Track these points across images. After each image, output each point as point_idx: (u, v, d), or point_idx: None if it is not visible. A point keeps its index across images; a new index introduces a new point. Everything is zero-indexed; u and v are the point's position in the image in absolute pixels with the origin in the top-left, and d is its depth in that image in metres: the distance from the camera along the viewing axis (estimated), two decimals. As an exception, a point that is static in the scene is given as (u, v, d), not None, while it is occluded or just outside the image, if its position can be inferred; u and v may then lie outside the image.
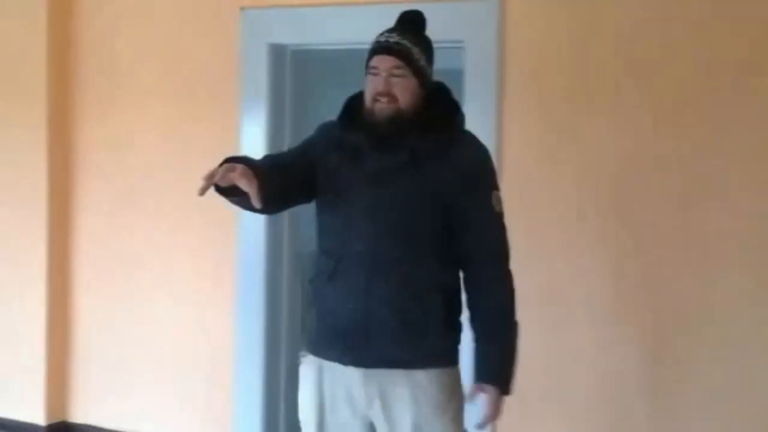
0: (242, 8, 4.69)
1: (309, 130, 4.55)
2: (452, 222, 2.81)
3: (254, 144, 4.63)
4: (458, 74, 4.35)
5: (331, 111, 6.81)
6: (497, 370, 2.83)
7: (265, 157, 3.17)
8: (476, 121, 4.23)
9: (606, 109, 4.02)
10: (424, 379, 2.82)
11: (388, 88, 2.80)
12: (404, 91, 2.80)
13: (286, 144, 4.78)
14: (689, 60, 3.87)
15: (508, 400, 2.89)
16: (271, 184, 2.69)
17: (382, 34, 2.88)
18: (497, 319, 2.84)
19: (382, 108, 2.80)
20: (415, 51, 2.83)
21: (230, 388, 4.81)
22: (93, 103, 5.14)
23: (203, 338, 4.90)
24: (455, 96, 3.00)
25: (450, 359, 2.88)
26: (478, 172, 2.84)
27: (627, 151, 3.99)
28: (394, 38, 2.83)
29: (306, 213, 5.10)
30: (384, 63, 2.81)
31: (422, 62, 2.84)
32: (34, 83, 5.12)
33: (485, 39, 4.19)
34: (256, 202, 2.60)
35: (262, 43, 4.68)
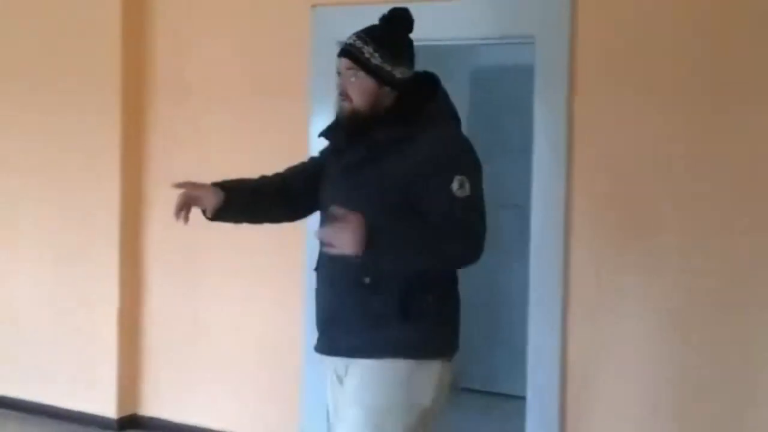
0: (312, 6, 4.70)
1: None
2: (415, 211, 2.78)
3: (323, 142, 4.62)
4: (529, 70, 4.31)
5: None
6: (389, 229, 2.66)
7: (261, 176, 3.26)
8: (546, 118, 4.19)
9: (679, 105, 3.95)
10: (373, 366, 2.83)
11: (344, 89, 2.92)
12: (357, 91, 2.89)
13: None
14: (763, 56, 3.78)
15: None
16: (238, 198, 3.03)
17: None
18: (434, 231, 2.71)
19: (343, 107, 2.93)
20: (367, 50, 2.89)
21: (298, 384, 4.82)
22: (166, 101, 5.20)
23: (271, 334, 4.92)
24: (442, 89, 3.01)
25: (400, 350, 2.82)
26: (435, 159, 2.78)
27: (698, 147, 3.91)
28: (351, 39, 2.93)
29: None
30: (341, 64, 2.94)
31: (375, 61, 2.88)
32: (109, 79, 5.20)
33: (556, 34, 4.14)
34: (208, 213, 3.02)
35: (332, 41, 4.66)
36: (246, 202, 3.09)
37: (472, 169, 2.83)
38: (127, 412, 5.28)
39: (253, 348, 4.98)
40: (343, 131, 2.95)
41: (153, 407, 5.27)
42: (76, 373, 5.36)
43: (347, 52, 2.92)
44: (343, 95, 2.92)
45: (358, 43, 2.91)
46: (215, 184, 3.05)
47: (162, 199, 5.22)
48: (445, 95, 3.02)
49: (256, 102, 4.94)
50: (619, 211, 4.09)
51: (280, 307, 4.88)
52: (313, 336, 4.69)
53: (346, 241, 2.58)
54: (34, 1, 5.48)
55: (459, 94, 6.34)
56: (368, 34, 2.94)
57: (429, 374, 2.85)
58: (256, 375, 4.97)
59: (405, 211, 2.77)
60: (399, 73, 2.91)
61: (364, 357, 2.85)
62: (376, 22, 4.43)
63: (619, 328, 4.09)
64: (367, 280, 2.80)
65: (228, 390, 5.05)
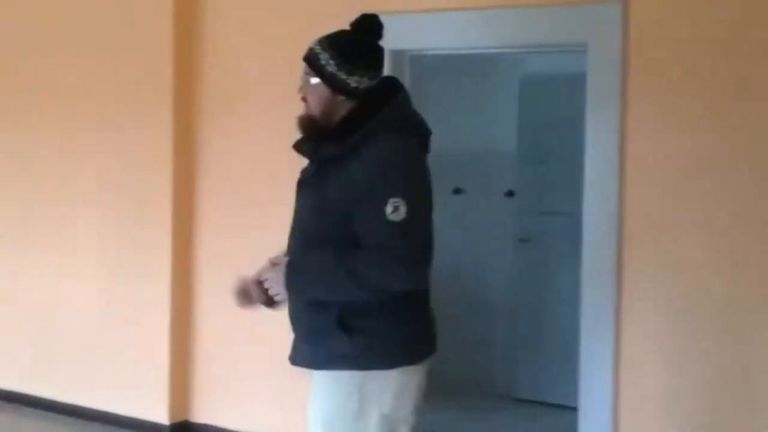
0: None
1: (434, 136, 4.52)
2: (352, 230, 2.75)
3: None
4: (581, 78, 4.29)
5: (445, 115, 6.84)
6: (302, 269, 2.80)
7: None
8: (599, 126, 4.17)
9: (735, 113, 3.90)
10: (320, 379, 2.91)
11: (302, 93, 2.93)
12: (311, 96, 2.89)
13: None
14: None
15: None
16: None
17: None
18: (354, 262, 2.70)
19: (302, 112, 2.93)
20: (324, 57, 2.85)
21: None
22: (217, 108, 5.25)
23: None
24: (398, 96, 2.91)
25: (349, 363, 2.82)
26: (371, 181, 2.71)
27: (755, 150, 3.86)
28: (314, 43, 2.91)
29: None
30: (303, 67, 2.93)
31: (330, 69, 2.84)
32: (161, 92, 5.26)
33: (609, 42, 4.11)
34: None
35: (402, 54, 4.69)
36: None
37: (410, 189, 2.73)
38: (180, 418, 5.32)
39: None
40: (306, 142, 2.92)
41: (205, 414, 5.31)
42: (130, 379, 5.42)
43: (306, 56, 2.90)
44: (302, 99, 2.93)
45: (317, 49, 2.88)
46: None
47: (213, 209, 5.27)
48: (401, 103, 2.91)
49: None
50: (673, 218, 4.05)
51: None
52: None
53: (273, 287, 2.84)
54: (87, 16, 5.56)
55: (507, 102, 6.39)
56: (330, 39, 2.89)
57: (384, 383, 2.83)
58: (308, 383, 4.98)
59: (341, 231, 2.75)
60: (354, 81, 2.85)
61: (314, 368, 2.91)
62: (425, 30, 4.46)
63: (674, 337, 4.05)
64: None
65: (278, 397, 5.07)
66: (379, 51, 2.92)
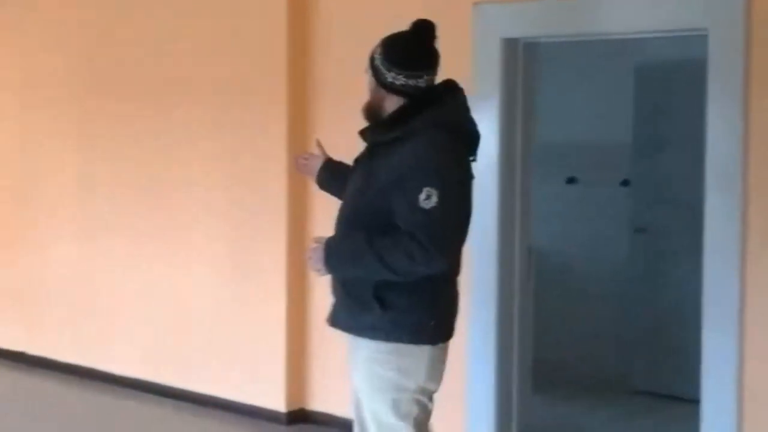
0: (474, 3, 4.69)
1: (539, 124, 4.51)
2: (390, 216, 3.00)
3: (486, 139, 4.59)
4: (701, 64, 4.18)
5: (559, 103, 6.75)
6: (338, 249, 3.09)
7: None
8: (721, 113, 4.05)
9: None
10: (356, 343, 3.17)
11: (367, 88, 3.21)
12: (369, 90, 3.17)
13: (518, 139, 4.74)
14: None
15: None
16: (335, 169, 3.51)
17: None
18: (383, 247, 2.95)
19: (363, 107, 3.22)
20: (376, 52, 3.14)
21: (463, 381, 4.82)
22: (331, 98, 5.29)
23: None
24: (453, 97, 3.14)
25: (382, 335, 3.07)
26: (408, 171, 2.96)
27: None
28: (377, 44, 3.18)
29: (539, 207, 5.11)
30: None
31: (376, 63, 3.12)
32: (275, 79, 5.32)
33: (731, 26, 3.99)
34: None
35: (494, 38, 4.66)
36: (340, 175, 3.40)
37: (443, 180, 2.94)
38: (296, 406, 5.40)
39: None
40: (371, 133, 3.19)
41: (321, 402, 5.38)
42: (247, 367, 5.53)
43: (370, 56, 3.16)
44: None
45: (376, 46, 3.15)
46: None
47: (326, 200, 5.29)
48: (450, 105, 3.12)
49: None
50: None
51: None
52: (478, 337, 4.74)
53: (315, 263, 3.13)
54: (203, 9, 5.68)
55: (623, 89, 6.27)
56: (386, 38, 3.16)
57: (419, 356, 3.08)
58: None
59: (379, 214, 3.01)
60: (390, 77, 3.09)
61: (353, 334, 3.17)
62: (540, 17, 4.45)
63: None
64: None
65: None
66: (425, 53, 3.15)
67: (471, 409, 4.80)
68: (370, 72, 3.15)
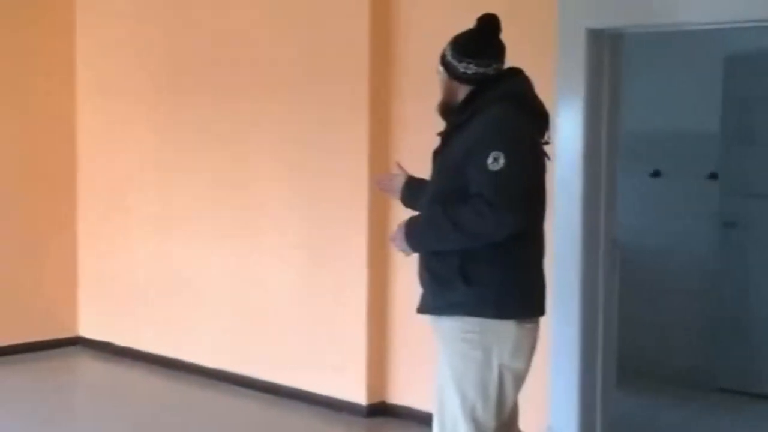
0: (559, -6, 4.63)
1: (624, 116, 4.40)
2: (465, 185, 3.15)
3: (571, 131, 4.56)
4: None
5: (644, 94, 6.62)
6: (416, 224, 3.29)
7: None
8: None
9: None
10: (442, 323, 3.27)
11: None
12: (440, 84, 3.39)
13: (603, 131, 4.67)
14: None
15: None
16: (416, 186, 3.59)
17: None
18: (455, 211, 3.13)
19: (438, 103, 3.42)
20: (446, 50, 3.35)
21: (547, 375, 4.76)
22: (412, 91, 5.27)
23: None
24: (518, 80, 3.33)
25: (467, 310, 3.18)
26: (475, 138, 3.15)
27: None
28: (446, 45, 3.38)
29: (623, 200, 5.02)
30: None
31: (448, 58, 3.33)
32: (357, 71, 5.33)
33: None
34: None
35: (580, 28, 4.59)
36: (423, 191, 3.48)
37: (510, 145, 3.10)
38: (377, 399, 5.41)
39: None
40: (445, 120, 3.40)
41: (402, 395, 5.37)
42: (328, 359, 5.55)
43: (441, 55, 3.37)
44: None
45: (445, 45, 3.36)
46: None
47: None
48: (516, 85, 3.31)
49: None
50: None
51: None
52: (561, 331, 4.69)
53: (399, 244, 3.33)
54: (284, 14, 5.72)
55: (710, 80, 6.12)
56: (454, 37, 3.37)
57: (503, 334, 3.18)
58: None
59: (458, 188, 3.15)
60: (463, 67, 3.29)
61: (434, 314, 3.29)
62: (625, 7, 4.42)
63: None
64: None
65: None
66: (492, 43, 3.34)
67: (554, 403, 4.74)
68: (441, 69, 3.36)
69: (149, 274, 6.55)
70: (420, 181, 3.60)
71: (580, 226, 4.60)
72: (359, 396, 5.39)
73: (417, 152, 5.22)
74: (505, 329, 3.18)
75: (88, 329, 6.99)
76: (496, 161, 3.06)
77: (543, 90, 4.64)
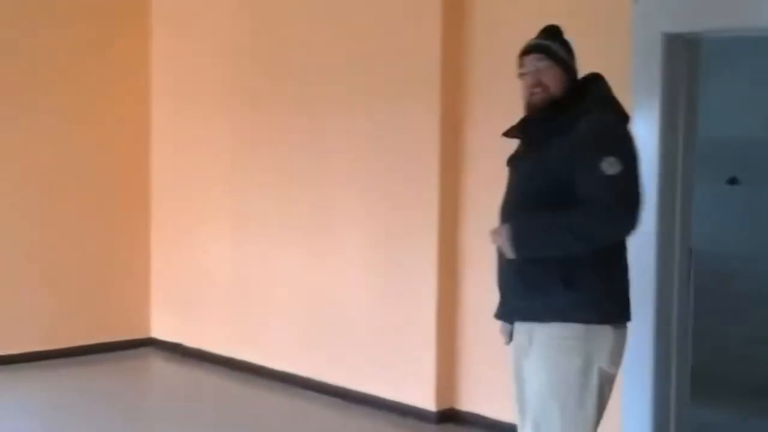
0: (635, -2, 4.56)
1: (702, 122, 4.32)
2: (569, 191, 3.11)
3: (647, 138, 4.48)
4: None
5: (723, 101, 6.50)
6: (525, 227, 3.21)
7: None
8: None
9: None
10: (537, 329, 3.22)
11: (539, 80, 3.31)
12: (550, 79, 3.30)
13: (680, 138, 4.60)
14: None
15: None
16: None
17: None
18: (568, 216, 3.10)
19: (537, 98, 3.31)
20: (554, 45, 3.34)
21: (619, 385, 4.66)
22: (483, 89, 5.25)
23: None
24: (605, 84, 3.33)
25: (567, 315, 3.15)
26: (590, 144, 3.11)
27: None
28: (534, 41, 3.38)
29: (699, 207, 4.93)
30: (530, 61, 3.34)
31: (561, 54, 3.33)
32: (428, 85, 5.32)
33: None
34: None
35: (656, 33, 4.52)
36: None
37: (624, 150, 3.13)
38: (446, 405, 5.38)
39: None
40: (534, 123, 3.33)
41: (472, 402, 5.34)
42: (397, 364, 5.53)
43: (536, 48, 3.34)
44: (536, 86, 3.30)
45: (547, 42, 3.35)
46: None
47: (478, 196, 5.27)
48: (606, 87, 3.31)
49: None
50: None
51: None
52: (635, 340, 4.59)
53: (503, 244, 3.23)
54: (358, 24, 5.73)
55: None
56: (551, 32, 3.39)
57: (603, 339, 3.15)
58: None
59: (557, 193, 3.12)
60: (574, 65, 3.36)
61: (529, 320, 3.25)
62: (702, 11, 4.37)
63: None
64: None
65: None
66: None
67: (627, 415, 4.66)
68: (551, 63, 3.31)
69: (221, 277, 6.61)
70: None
71: (655, 234, 4.53)
72: (428, 402, 5.37)
73: (487, 155, 5.22)
74: (605, 335, 3.17)
75: (160, 330, 7.09)
76: (611, 166, 3.05)
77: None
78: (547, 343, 3.20)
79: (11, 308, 6.51)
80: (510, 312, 3.35)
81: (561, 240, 3.10)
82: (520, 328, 3.32)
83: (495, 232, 3.29)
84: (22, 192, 6.56)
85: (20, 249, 6.57)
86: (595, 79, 3.35)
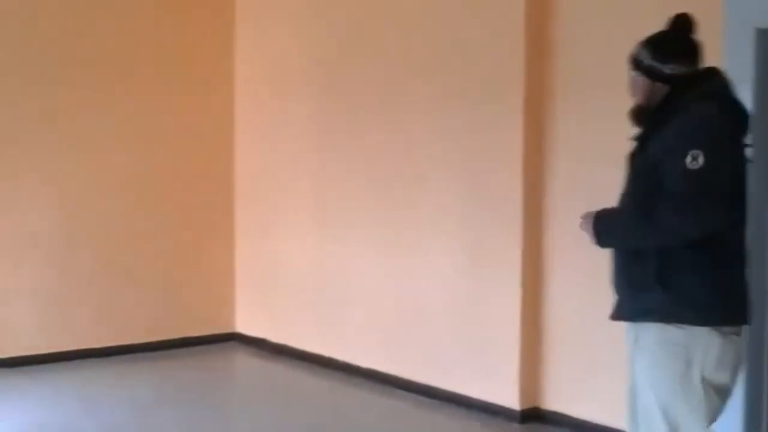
0: (726, -9, 4.47)
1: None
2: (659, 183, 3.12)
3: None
4: None
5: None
6: (607, 216, 3.26)
7: None
8: None
9: None
10: (641, 330, 3.20)
11: (631, 89, 3.42)
12: (637, 89, 3.37)
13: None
14: None
15: None
16: None
17: None
18: (650, 207, 3.10)
19: (634, 104, 3.39)
20: (642, 53, 3.34)
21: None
22: (568, 93, 5.21)
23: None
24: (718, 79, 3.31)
25: (664, 315, 3.11)
26: (676, 138, 3.11)
27: None
28: (635, 47, 3.39)
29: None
30: (628, 70, 3.43)
31: (647, 62, 3.32)
32: (511, 82, 5.29)
33: None
34: None
35: (749, 28, 4.42)
36: None
37: (709, 144, 3.06)
38: (530, 404, 5.35)
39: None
40: (637, 123, 3.37)
41: (555, 401, 5.30)
42: (481, 363, 5.52)
43: (629, 58, 3.38)
44: (633, 95, 3.40)
45: (636, 49, 3.37)
46: None
47: (562, 194, 5.22)
48: (715, 84, 3.29)
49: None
50: None
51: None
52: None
53: (587, 230, 3.29)
54: (439, 18, 5.72)
55: None
56: (647, 39, 3.37)
57: (707, 344, 3.08)
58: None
59: (652, 186, 3.11)
60: (669, 69, 3.29)
61: (629, 320, 3.24)
62: None
63: None
64: (628, 252, 3.24)
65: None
66: (689, 43, 3.36)
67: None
68: (637, 73, 3.35)
69: (305, 273, 6.66)
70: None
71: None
72: (512, 401, 5.35)
73: (572, 156, 5.17)
74: (707, 338, 3.10)
75: (244, 326, 7.17)
76: (695, 160, 3.03)
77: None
78: (648, 344, 3.18)
79: (98, 303, 6.65)
80: (618, 312, 3.34)
81: (638, 231, 3.13)
82: (628, 328, 3.31)
83: (583, 219, 3.33)
84: (108, 187, 6.68)
85: (107, 245, 6.70)
86: (708, 74, 3.33)
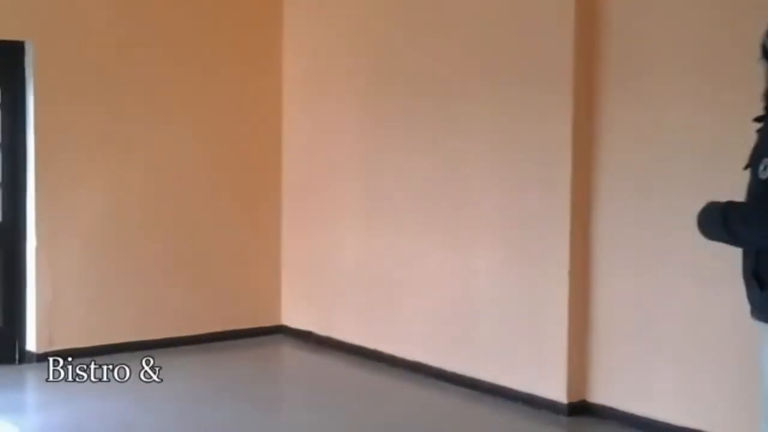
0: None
1: None
2: None
3: None
4: None
5: None
6: (707, 208, 3.11)
7: None
8: None
9: None
10: (761, 328, 3.06)
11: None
12: (763, 77, 3.13)
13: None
14: None
15: None
16: None
17: None
18: (733, 209, 3.01)
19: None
20: (766, 41, 3.13)
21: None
22: (618, 94, 5.15)
23: (732, 328, 4.64)
24: None
25: (762, 314, 3.00)
26: (762, 143, 3.00)
27: None
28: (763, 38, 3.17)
29: None
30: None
31: None
32: (560, 75, 5.26)
33: None
34: None
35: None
36: None
37: None
38: (578, 398, 5.31)
39: (708, 341, 4.78)
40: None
41: (603, 395, 5.25)
42: (529, 356, 5.49)
43: (760, 47, 3.17)
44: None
45: (764, 38, 3.15)
46: None
47: (613, 187, 5.17)
48: None
49: (716, 91, 4.70)
50: None
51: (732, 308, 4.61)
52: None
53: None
54: (488, 8, 5.71)
55: None
56: None
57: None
58: (714, 369, 4.76)
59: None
60: None
61: (756, 318, 3.07)
62: None
63: None
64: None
65: (683, 383, 4.89)
66: None
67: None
68: (762, 60, 3.15)
69: (352, 266, 6.66)
70: None
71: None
72: (560, 394, 5.31)
73: (622, 148, 5.12)
74: None
75: (290, 318, 7.19)
76: (765, 169, 2.94)
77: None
78: (762, 341, 3.07)
79: (149, 296, 6.71)
80: (751, 309, 3.14)
81: (715, 229, 3.06)
82: (755, 324, 3.16)
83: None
84: (160, 185, 6.74)
85: (158, 240, 6.75)
86: None
